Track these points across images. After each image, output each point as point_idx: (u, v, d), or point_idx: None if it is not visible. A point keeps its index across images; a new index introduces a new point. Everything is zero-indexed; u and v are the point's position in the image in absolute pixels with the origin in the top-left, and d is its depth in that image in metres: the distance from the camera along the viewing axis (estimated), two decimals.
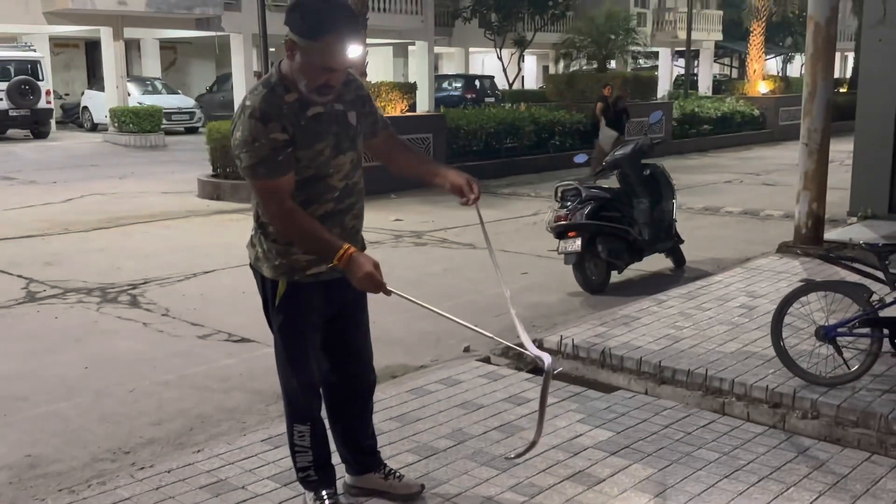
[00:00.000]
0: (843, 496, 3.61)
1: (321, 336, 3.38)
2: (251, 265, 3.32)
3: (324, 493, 3.41)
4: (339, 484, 3.58)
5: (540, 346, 5.64)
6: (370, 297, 3.41)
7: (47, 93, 24.73)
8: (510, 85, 31.01)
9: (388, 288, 3.05)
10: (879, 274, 4.71)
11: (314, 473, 3.41)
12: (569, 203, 7.53)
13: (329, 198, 3.16)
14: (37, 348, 6.08)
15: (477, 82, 31.79)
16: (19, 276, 8.16)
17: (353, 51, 3.02)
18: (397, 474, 3.65)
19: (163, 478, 3.78)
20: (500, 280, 3.36)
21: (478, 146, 16.28)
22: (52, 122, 25.57)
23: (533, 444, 3.37)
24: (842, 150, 12.55)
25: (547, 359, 3.16)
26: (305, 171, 3.06)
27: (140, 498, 3.60)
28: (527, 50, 31.65)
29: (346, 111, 3.20)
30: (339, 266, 3.01)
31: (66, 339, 6.29)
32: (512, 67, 31.09)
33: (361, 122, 3.27)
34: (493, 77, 33.00)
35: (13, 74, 23.91)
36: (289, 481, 3.65)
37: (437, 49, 32.51)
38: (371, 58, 18.54)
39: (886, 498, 3.59)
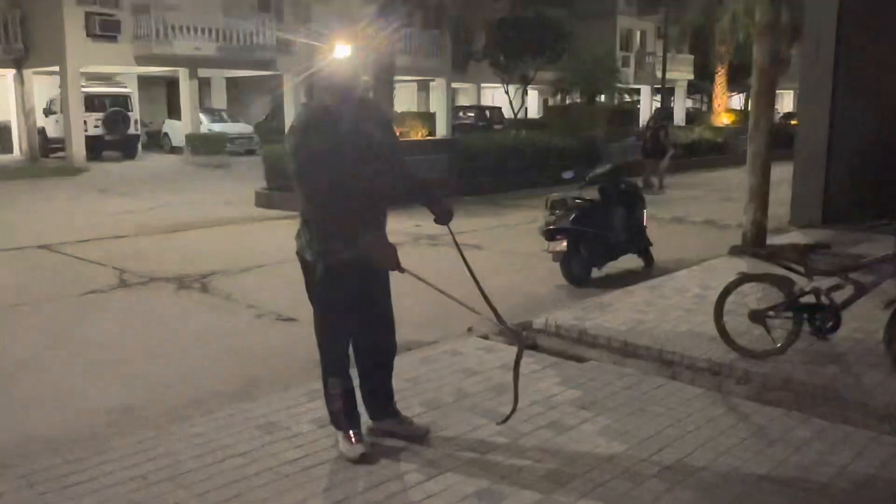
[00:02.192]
0: (761, 441, 3.76)
1: (354, 310, 3.52)
2: (297, 252, 3.50)
3: (350, 432, 3.55)
4: (364, 429, 3.71)
5: (529, 326, 5.81)
6: (395, 284, 3.62)
7: (135, 122, 24.94)
8: (515, 115, 31.00)
9: (402, 267, 3.27)
10: (800, 269, 4.87)
11: (343, 418, 3.57)
12: (557, 211, 7.66)
13: (359, 196, 3.32)
14: (128, 323, 6.26)
15: (487, 112, 31.85)
16: (114, 268, 8.32)
17: (344, 53, 3.33)
18: (409, 420, 3.81)
19: (227, 420, 3.95)
20: (475, 280, 3.59)
21: (486, 165, 16.32)
22: (139, 145, 25.80)
23: (513, 412, 3.61)
24: (788, 171, 12.58)
25: (520, 338, 3.41)
26: (340, 173, 3.24)
27: (210, 433, 3.78)
28: (529, 85, 31.66)
29: (372, 130, 3.40)
30: (366, 249, 3.21)
31: (150, 317, 6.45)
32: (517, 100, 31.11)
33: (383, 141, 3.47)
34: (500, 108, 32.96)
35: (108, 106, 24.18)
36: (324, 424, 3.80)
37: (454, 84, 32.55)
38: (398, 92, 18.68)
39: (796, 442, 3.74)
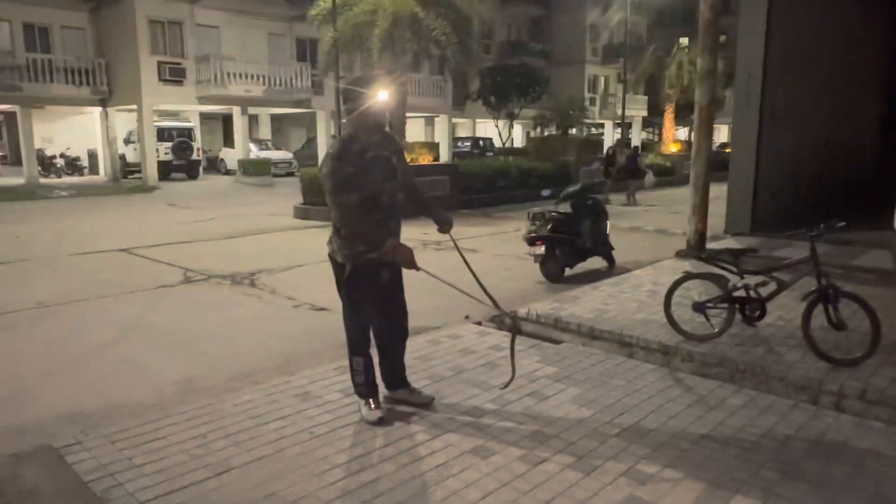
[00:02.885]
0: (702, 408, 3.75)
1: (375, 301, 3.52)
2: (329, 255, 3.51)
3: (370, 399, 3.56)
4: (381, 397, 3.72)
5: (515, 313, 5.78)
6: (407, 282, 3.62)
7: (198, 149, 24.93)
8: (504, 144, 30.99)
9: (419, 266, 3.29)
10: (734, 269, 4.87)
11: (364, 388, 3.57)
12: (537, 222, 7.65)
13: (380, 209, 3.36)
14: (192, 312, 6.23)
15: (480, 142, 31.73)
16: (180, 267, 8.31)
17: (382, 94, 3.34)
18: (417, 390, 3.81)
19: (271, 389, 3.95)
20: (475, 277, 3.61)
21: (479, 184, 16.33)
22: (201, 168, 25.77)
23: (512, 379, 3.63)
24: (723, 190, 12.57)
25: (515, 321, 3.45)
26: (366, 191, 3.28)
27: (257, 400, 3.78)
28: (515, 120, 31.65)
29: (389, 156, 3.42)
30: (388, 252, 3.23)
31: (209, 307, 6.43)
32: (505, 132, 31.09)
33: (398, 164, 3.49)
34: (491, 139, 32.91)
35: (175, 137, 24.22)
36: (349, 393, 3.80)
37: (454, 119, 32.54)
38: (409, 126, 18.64)
39: (730, 409, 3.73)
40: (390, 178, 3.40)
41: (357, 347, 3.55)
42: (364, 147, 3.31)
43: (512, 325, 3.64)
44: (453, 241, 3.78)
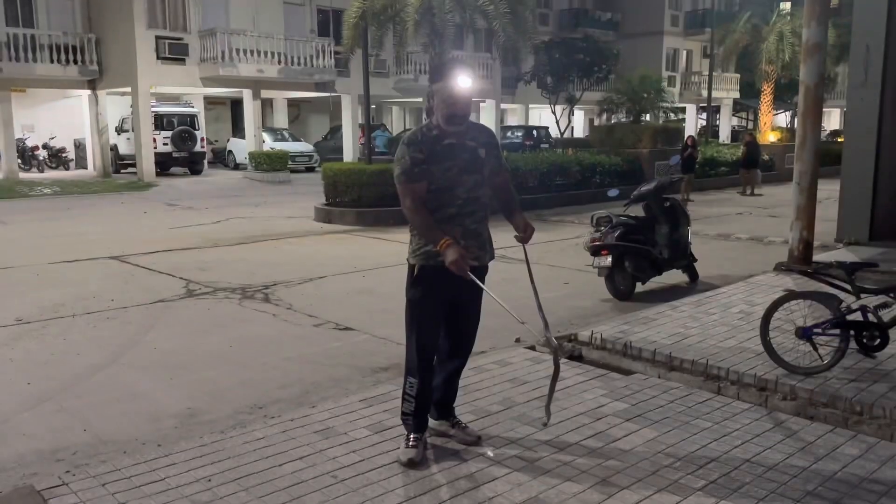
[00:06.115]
0: (808, 458, 3.66)
1: (443, 313, 3.64)
2: (407, 259, 3.69)
3: (411, 436, 3.64)
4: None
5: (574, 338, 5.77)
6: None
7: (202, 139, 25.52)
8: (562, 134, 30.81)
9: (469, 274, 3.40)
10: (847, 286, 4.77)
11: (411, 420, 3.66)
12: (602, 227, 7.63)
13: (454, 204, 3.53)
14: (194, 331, 6.36)
15: (534, 132, 31.67)
16: (181, 278, 8.50)
17: (464, 82, 3.49)
18: (463, 424, 3.87)
19: (287, 425, 4.00)
20: (537, 299, 3.70)
21: (533, 183, 16.34)
22: (205, 162, 26.31)
23: (546, 423, 3.72)
24: (834, 189, 12.30)
25: (556, 354, 3.55)
26: (438, 181, 3.48)
27: (271, 438, 3.83)
28: (575, 106, 31.50)
29: (476, 147, 3.59)
30: (440, 251, 3.38)
31: (215, 325, 6.55)
32: (563, 120, 30.94)
33: (488, 158, 3.63)
34: (547, 128, 32.84)
35: (176, 125, 24.83)
36: (379, 430, 3.84)
37: (503, 105, 32.59)
38: None
39: (843, 460, 3.64)
40: (472, 170, 3.57)
41: (415, 369, 3.64)
42: (442, 134, 3.51)
43: (555, 357, 3.61)
44: (525, 254, 3.86)
